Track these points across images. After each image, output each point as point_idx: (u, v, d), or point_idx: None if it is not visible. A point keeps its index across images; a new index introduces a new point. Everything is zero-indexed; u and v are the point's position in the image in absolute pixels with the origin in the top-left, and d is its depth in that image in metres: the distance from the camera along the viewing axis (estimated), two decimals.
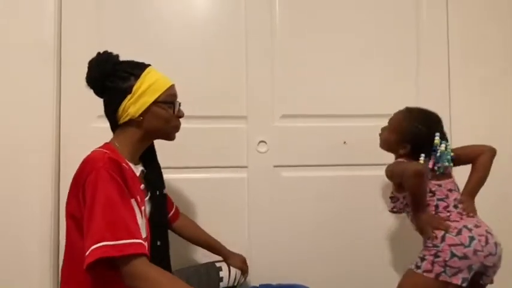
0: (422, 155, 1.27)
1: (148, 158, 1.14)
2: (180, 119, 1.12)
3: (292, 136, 1.57)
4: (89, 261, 0.84)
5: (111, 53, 1.06)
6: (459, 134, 1.61)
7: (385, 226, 1.60)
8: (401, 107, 1.59)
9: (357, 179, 1.60)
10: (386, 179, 1.58)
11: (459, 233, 1.18)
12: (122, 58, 1.44)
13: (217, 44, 1.56)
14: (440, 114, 1.59)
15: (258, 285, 1.40)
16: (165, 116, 1.05)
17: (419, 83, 1.64)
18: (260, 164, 1.55)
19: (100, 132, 1.43)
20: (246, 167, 1.55)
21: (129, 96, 1.01)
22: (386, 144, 1.37)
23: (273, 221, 1.55)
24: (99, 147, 1.04)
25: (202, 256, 1.42)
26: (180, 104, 1.11)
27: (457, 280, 1.14)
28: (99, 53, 1.05)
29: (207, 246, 1.35)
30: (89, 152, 1.41)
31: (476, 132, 1.61)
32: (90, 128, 1.47)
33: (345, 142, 1.59)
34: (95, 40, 1.49)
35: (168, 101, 1.05)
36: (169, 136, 1.11)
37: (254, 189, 1.55)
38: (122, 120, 1.04)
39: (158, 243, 1.09)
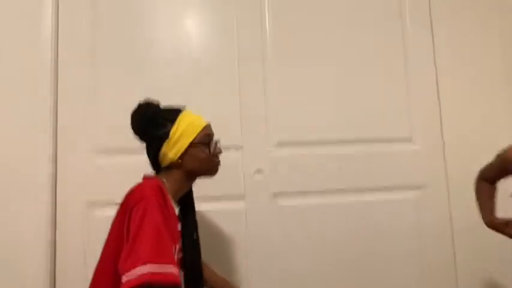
0: None
1: (185, 200, 1.16)
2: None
3: (288, 163, 1.58)
4: (137, 284, 0.84)
5: (150, 102, 1.11)
6: (452, 157, 1.64)
7: (387, 251, 1.58)
8: (395, 131, 1.64)
9: (354, 205, 1.59)
10: (384, 204, 1.59)
11: None
12: (114, 85, 1.51)
13: (210, 73, 1.59)
14: (432, 138, 1.65)
15: None
16: (203, 156, 1.09)
17: (411, 107, 1.67)
18: (257, 192, 1.55)
19: (98, 167, 1.47)
20: (243, 196, 1.54)
21: (167, 142, 1.06)
22: None
23: (271, 250, 1.52)
24: (147, 179, 1.07)
25: None
26: (217, 141, 1.14)
27: None
28: (139, 104, 1.11)
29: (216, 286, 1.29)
30: (85, 187, 1.45)
31: (468, 155, 1.64)
32: (87, 163, 1.47)
33: (341, 168, 1.60)
34: (90, 69, 1.53)
35: (203, 141, 1.10)
36: (210, 174, 1.14)
37: (252, 218, 1.53)
38: (163, 164, 1.09)
39: None
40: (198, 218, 1.47)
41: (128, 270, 0.86)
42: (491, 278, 1.59)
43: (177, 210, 1.10)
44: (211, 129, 1.15)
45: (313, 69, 1.64)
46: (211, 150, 1.11)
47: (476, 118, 1.68)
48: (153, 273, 0.86)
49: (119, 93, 1.53)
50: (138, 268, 0.86)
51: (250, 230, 1.53)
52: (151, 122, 1.08)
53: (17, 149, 1.42)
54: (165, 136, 1.06)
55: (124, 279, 0.86)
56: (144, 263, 0.86)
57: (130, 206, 0.96)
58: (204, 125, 1.12)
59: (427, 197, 1.63)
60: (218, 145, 1.14)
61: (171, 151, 1.06)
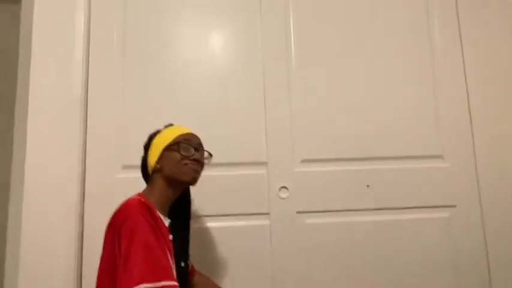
0: None
1: (177, 215, 1.19)
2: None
3: (313, 181, 1.56)
4: None
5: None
6: (484, 175, 1.58)
7: (417, 272, 1.52)
8: (423, 149, 1.60)
9: (382, 224, 1.55)
10: (414, 224, 1.53)
11: None
12: (141, 104, 1.54)
13: (235, 90, 1.60)
14: (463, 155, 1.61)
15: None
16: (176, 157, 1.12)
17: (441, 123, 1.63)
18: (282, 210, 1.53)
19: (124, 183, 1.49)
20: (268, 213, 1.53)
21: (149, 150, 1.16)
22: None
23: (297, 269, 1.49)
24: (133, 196, 1.10)
25: None
26: (198, 150, 1.16)
27: None
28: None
29: None
30: (113, 203, 1.46)
31: (502, 172, 1.59)
32: (114, 179, 1.50)
33: (368, 186, 1.56)
34: (119, 90, 1.56)
35: (176, 143, 1.14)
36: (186, 177, 1.13)
37: (277, 236, 1.51)
38: (149, 173, 1.16)
39: None
40: (222, 233, 1.49)
41: None
42: None
43: (167, 221, 1.12)
44: (192, 137, 1.17)
45: (341, 85, 1.63)
46: (183, 152, 1.12)
47: (509, 134, 1.62)
48: None
49: (147, 110, 1.56)
50: None
51: (275, 248, 1.50)
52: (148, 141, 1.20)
53: (48, 168, 1.45)
54: (149, 146, 1.17)
55: None
56: (138, 284, 0.88)
57: (118, 225, 0.98)
58: (184, 132, 1.17)
59: (459, 216, 1.57)
60: (200, 153, 1.17)
61: (152, 158, 1.14)
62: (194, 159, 1.14)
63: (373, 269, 1.52)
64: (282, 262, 1.50)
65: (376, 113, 1.62)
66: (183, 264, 1.14)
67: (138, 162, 1.48)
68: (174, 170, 1.11)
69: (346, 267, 1.51)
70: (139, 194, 1.12)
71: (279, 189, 1.54)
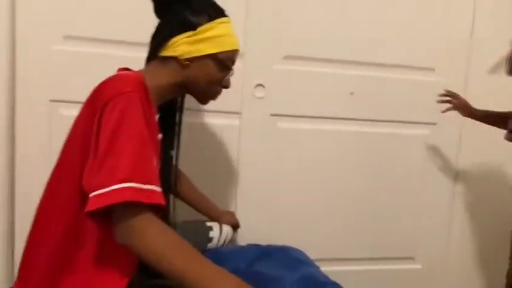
0: None
1: (168, 110, 0.97)
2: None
3: (293, 81, 1.38)
4: (115, 202, 0.65)
5: None
6: (473, 95, 1.48)
7: (388, 187, 1.50)
8: (422, 57, 1.45)
9: (362, 136, 1.45)
10: (395, 138, 1.45)
11: None
12: None
13: None
14: (454, 72, 1.48)
15: (245, 244, 1.27)
16: (213, 75, 0.90)
17: (438, 36, 1.46)
18: (255, 111, 1.36)
19: (66, 56, 1.20)
20: (239, 113, 1.35)
21: (190, 33, 0.86)
22: None
23: (264, 175, 1.40)
24: (126, 71, 0.84)
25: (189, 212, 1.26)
26: (232, 74, 0.94)
27: None
28: None
29: (198, 207, 1.20)
30: (48, 81, 1.20)
31: (490, 95, 1.49)
32: (53, 51, 1.20)
33: (352, 93, 1.41)
34: None
35: (225, 63, 0.90)
36: (204, 98, 0.95)
37: (247, 138, 1.37)
38: (165, 53, 0.86)
39: None
40: (188, 129, 1.29)
41: (101, 186, 0.66)
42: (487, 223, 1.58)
43: (156, 117, 0.89)
44: (236, 58, 0.94)
45: None
46: (225, 76, 0.92)
47: None
48: (135, 190, 0.67)
49: None
50: (115, 186, 0.66)
51: (243, 151, 1.37)
52: (186, 2, 0.87)
53: None
54: (192, 26, 0.86)
55: (93, 195, 0.67)
56: (123, 181, 0.66)
57: (102, 102, 0.73)
58: (237, 48, 0.93)
59: (438, 134, 1.51)
60: (230, 78, 0.95)
61: (188, 46, 0.86)
62: (225, 85, 0.94)
63: (343, 181, 1.46)
64: (248, 166, 1.38)
65: (372, 12, 1.41)
66: (172, 153, 0.99)
67: (82, 33, 1.21)
68: (203, 85, 0.90)
69: (315, 177, 1.44)
70: (134, 72, 0.85)
71: (255, 87, 1.34)
